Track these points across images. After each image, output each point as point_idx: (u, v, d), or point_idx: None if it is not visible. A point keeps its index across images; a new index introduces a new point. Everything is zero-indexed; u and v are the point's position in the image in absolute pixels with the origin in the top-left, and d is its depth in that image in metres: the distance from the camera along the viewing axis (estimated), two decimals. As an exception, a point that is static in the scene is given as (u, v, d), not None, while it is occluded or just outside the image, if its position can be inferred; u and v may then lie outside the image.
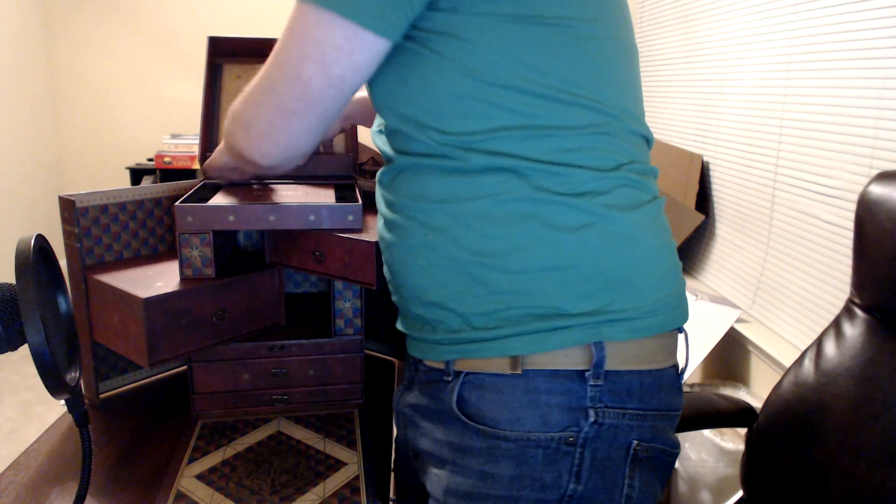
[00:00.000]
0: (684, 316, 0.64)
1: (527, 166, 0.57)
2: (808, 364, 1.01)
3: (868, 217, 0.94)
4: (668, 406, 0.62)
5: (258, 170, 0.73)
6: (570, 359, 0.57)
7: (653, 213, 0.62)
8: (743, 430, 1.61)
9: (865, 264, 0.96)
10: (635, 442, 0.59)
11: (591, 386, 0.57)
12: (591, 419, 0.57)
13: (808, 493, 0.96)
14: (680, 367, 0.65)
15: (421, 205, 0.62)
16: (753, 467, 1.08)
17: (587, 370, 0.57)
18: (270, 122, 0.61)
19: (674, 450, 0.63)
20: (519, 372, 0.58)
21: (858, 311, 0.98)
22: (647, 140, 0.66)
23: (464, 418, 0.60)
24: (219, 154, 0.91)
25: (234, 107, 0.67)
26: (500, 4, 0.55)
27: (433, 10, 0.56)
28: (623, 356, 0.58)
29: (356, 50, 0.56)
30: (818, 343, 1.02)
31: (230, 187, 0.99)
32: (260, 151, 0.64)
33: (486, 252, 0.58)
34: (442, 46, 0.57)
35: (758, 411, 1.10)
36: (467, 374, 0.61)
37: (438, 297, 0.62)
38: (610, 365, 0.57)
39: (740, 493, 1.14)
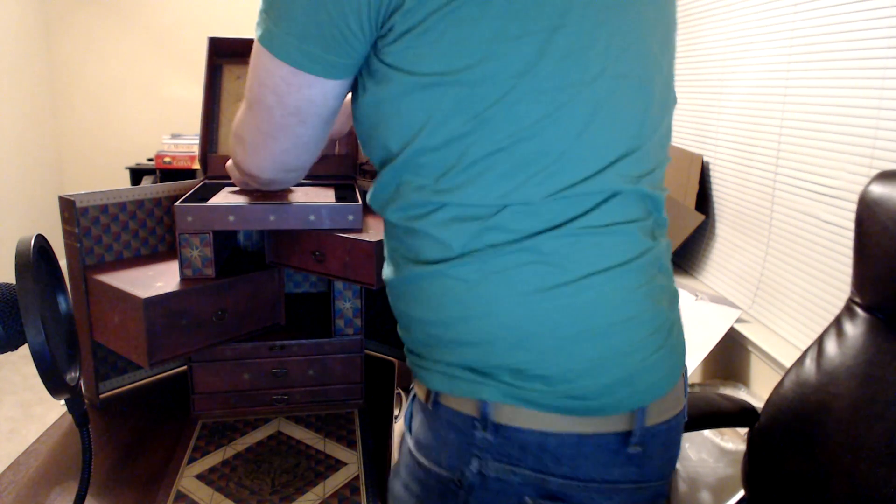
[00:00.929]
0: (632, 400, 0.54)
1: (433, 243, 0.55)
2: (810, 364, 1.01)
3: (868, 216, 0.94)
4: (594, 477, 0.53)
5: (261, 184, 0.75)
6: (468, 403, 0.54)
7: (571, 296, 0.52)
8: (743, 430, 1.61)
9: (866, 264, 0.96)
10: (529, 499, 0.53)
11: (479, 435, 0.54)
12: (475, 469, 0.54)
13: (810, 492, 0.96)
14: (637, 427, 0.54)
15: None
16: (755, 467, 1.08)
17: (474, 417, 0.54)
18: (255, 140, 0.64)
19: None
20: (429, 405, 0.57)
21: (859, 311, 0.98)
22: (620, 193, 0.54)
23: (407, 433, 0.62)
24: (232, 167, 0.93)
25: (233, 122, 0.70)
26: (415, 64, 0.50)
27: (374, 56, 0.54)
28: (516, 414, 0.53)
29: (303, 86, 0.56)
30: (819, 343, 1.02)
31: (231, 187, 0.99)
32: (254, 165, 0.67)
33: (409, 304, 0.59)
34: (374, 99, 0.55)
35: (759, 411, 1.10)
36: (415, 393, 0.62)
37: (398, 325, 0.64)
38: (500, 419, 0.53)
39: (742, 493, 1.14)
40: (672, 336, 0.58)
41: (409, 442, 0.60)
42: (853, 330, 0.97)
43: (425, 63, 0.50)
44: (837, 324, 1.00)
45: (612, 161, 0.53)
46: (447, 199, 0.53)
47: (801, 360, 1.03)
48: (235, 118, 0.68)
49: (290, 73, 0.55)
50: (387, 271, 0.62)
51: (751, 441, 1.10)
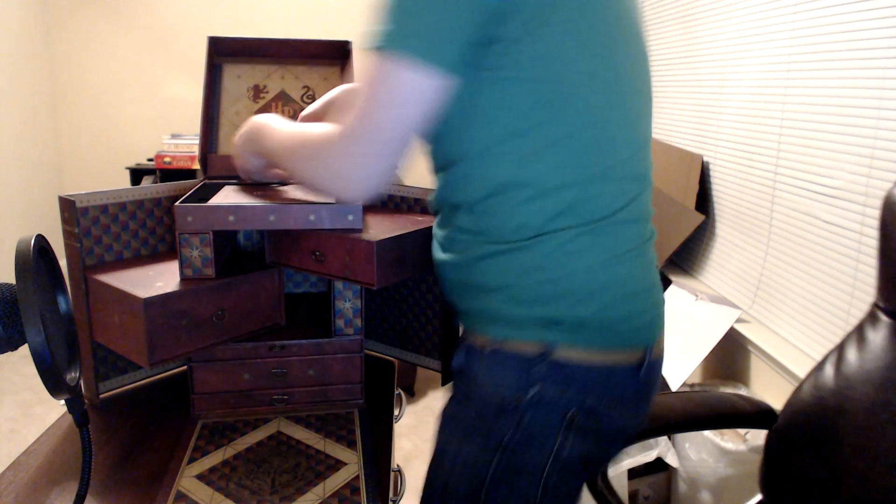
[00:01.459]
0: (647, 339, 0.74)
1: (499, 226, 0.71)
2: (829, 368, 1.00)
3: (893, 220, 0.93)
4: (616, 393, 0.72)
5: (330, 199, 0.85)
6: (531, 345, 0.70)
7: (616, 266, 0.70)
8: (743, 431, 1.61)
9: (891, 268, 0.95)
10: (573, 411, 0.70)
11: (538, 369, 0.70)
12: (532, 392, 0.70)
13: (824, 496, 0.95)
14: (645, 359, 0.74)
15: None
16: (771, 470, 1.07)
17: (537, 355, 0.70)
18: (361, 169, 0.68)
19: (616, 431, 0.75)
20: (486, 350, 0.72)
21: (882, 316, 0.96)
22: (646, 187, 0.75)
23: (458, 375, 0.77)
24: (243, 158, 0.94)
25: (314, 152, 0.73)
26: (499, 69, 0.64)
27: (465, 59, 0.64)
28: (570, 352, 0.70)
29: (437, 90, 0.64)
30: (840, 347, 1.01)
31: (231, 187, 0.99)
32: (354, 194, 0.71)
33: (479, 276, 0.74)
34: (462, 98, 0.67)
35: (777, 413, 1.09)
36: (471, 344, 0.77)
37: (451, 294, 0.80)
38: (557, 356, 0.69)
39: (759, 497, 1.13)
40: (661, 294, 0.79)
41: (461, 382, 0.76)
42: (875, 335, 0.96)
43: (513, 65, 0.64)
44: (860, 329, 0.99)
45: (640, 147, 0.73)
46: (527, 178, 0.67)
47: (821, 365, 1.02)
48: (310, 159, 0.73)
49: (427, 81, 0.63)
50: (444, 256, 0.77)
51: (768, 443, 1.09)
